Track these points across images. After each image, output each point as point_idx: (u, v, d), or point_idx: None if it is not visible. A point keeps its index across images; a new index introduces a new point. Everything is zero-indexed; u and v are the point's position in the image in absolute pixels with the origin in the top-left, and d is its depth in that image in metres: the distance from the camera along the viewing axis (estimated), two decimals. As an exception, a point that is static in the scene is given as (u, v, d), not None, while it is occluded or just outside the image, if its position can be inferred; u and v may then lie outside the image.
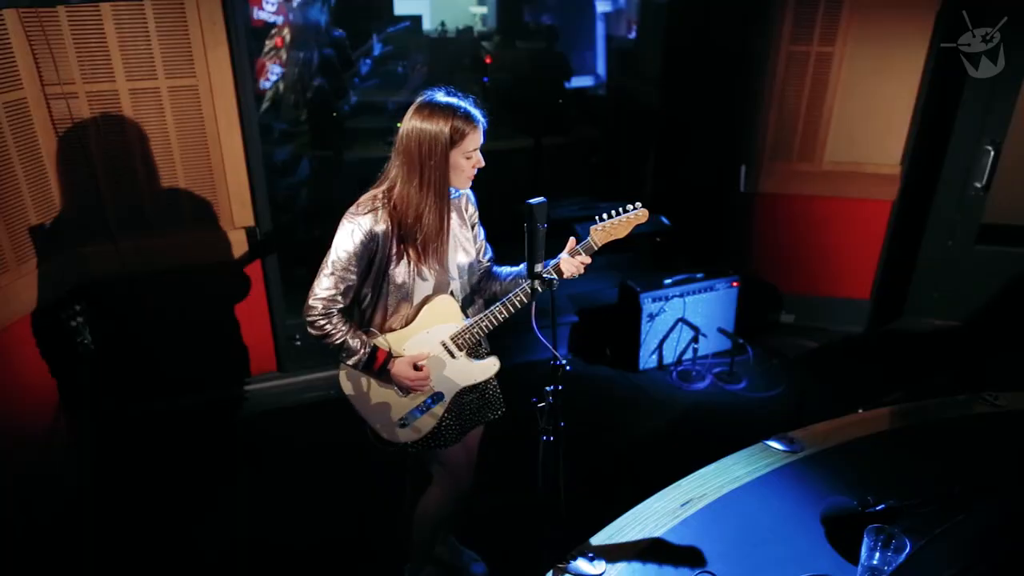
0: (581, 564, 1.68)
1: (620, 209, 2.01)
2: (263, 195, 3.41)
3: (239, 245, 3.40)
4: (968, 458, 2.05)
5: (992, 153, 3.97)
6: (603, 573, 1.66)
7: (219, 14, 3.01)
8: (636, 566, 1.68)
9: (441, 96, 1.92)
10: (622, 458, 3.35)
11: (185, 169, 3.20)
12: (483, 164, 1.96)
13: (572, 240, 2.01)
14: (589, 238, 2.01)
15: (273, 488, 3.15)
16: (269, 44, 5.21)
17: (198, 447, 3.42)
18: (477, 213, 2.15)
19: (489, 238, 2.21)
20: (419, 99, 1.92)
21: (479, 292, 2.19)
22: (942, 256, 4.35)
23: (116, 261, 3.16)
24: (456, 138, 1.88)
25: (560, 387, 1.71)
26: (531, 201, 1.67)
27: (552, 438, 1.73)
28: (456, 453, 2.25)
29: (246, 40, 3.25)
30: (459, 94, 1.95)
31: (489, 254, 2.21)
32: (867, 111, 3.95)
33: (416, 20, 7.51)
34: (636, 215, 2.01)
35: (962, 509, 1.73)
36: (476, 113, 1.93)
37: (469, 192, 2.13)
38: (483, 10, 8.41)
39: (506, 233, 2.25)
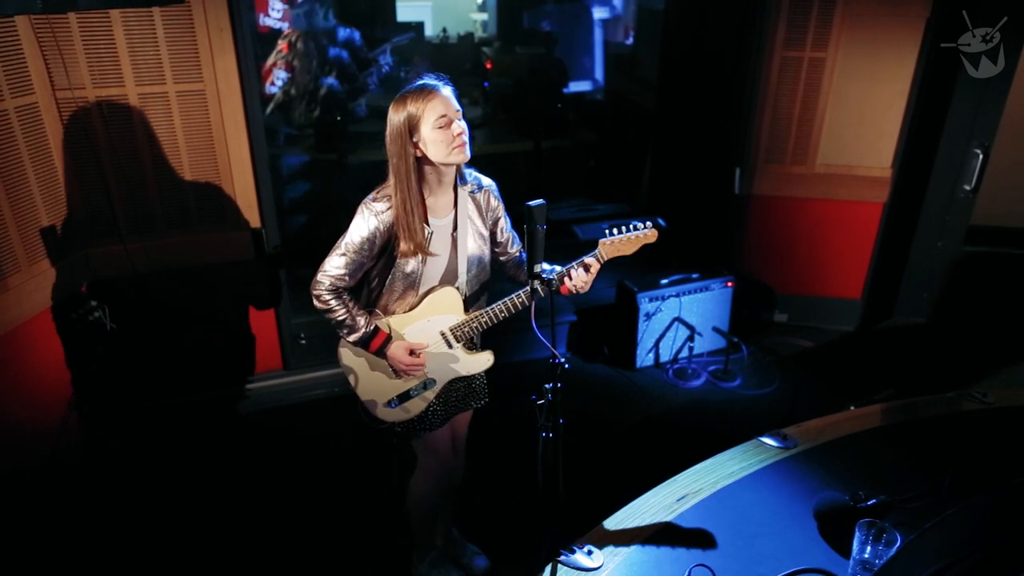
0: (579, 558, 1.70)
1: (632, 226, 2.03)
2: (269, 197, 3.45)
3: (245, 246, 3.43)
4: (958, 454, 2.07)
5: (981, 156, 4.02)
6: (600, 567, 1.68)
7: (226, 21, 3.05)
8: (633, 560, 1.70)
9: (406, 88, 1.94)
10: (619, 454, 3.39)
11: (192, 172, 3.24)
12: (463, 130, 1.92)
13: (584, 260, 2.03)
14: (597, 250, 2.04)
15: (278, 484, 3.19)
16: (277, 48, 5.24)
17: (204, 443, 3.46)
18: (502, 206, 2.18)
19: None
20: None
21: (508, 280, 2.28)
22: (932, 257, 4.40)
23: (125, 262, 3.19)
24: (416, 115, 1.89)
25: (559, 385, 1.72)
26: (530, 203, 1.69)
27: (551, 434, 1.74)
28: (441, 436, 2.32)
29: (253, 46, 3.29)
30: (425, 75, 1.95)
31: (517, 244, 2.26)
32: (859, 115, 4.00)
33: (418, 26, 7.56)
34: (645, 234, 2.04)
35: (952, 503, 1.76)
36: (431, 82, 1.92)
37: (492, 186, 2.16)
38: (484, 16, 8.45)
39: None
